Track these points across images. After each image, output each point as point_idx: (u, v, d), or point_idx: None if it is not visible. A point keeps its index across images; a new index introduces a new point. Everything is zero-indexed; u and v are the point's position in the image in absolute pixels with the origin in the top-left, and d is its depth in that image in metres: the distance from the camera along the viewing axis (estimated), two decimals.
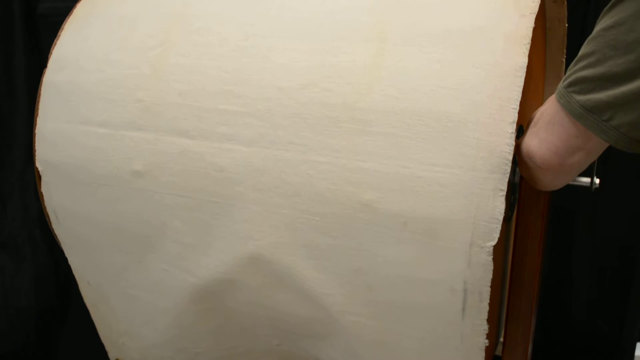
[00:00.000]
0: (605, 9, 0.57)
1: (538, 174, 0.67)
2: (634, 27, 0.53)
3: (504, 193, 0.64)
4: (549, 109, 0.64)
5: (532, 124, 0.67)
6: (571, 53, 0.97)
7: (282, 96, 0.74)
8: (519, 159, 0.69)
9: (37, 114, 0.91)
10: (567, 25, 0.93)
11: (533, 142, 0.65)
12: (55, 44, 0.92)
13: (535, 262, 0.79)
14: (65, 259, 0.98)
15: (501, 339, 0.95)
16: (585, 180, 0.75)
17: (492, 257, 0.65)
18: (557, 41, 0.96)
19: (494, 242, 0.65)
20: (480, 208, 0.65)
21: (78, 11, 0.94)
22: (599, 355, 1.35)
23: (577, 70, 0.58)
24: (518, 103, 0.65)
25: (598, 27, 0.57)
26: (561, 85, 0.60)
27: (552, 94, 1.00)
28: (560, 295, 1.34)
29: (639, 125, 0.55)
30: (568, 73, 0.60)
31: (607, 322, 1.33)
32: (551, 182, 0.68)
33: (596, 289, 1.32)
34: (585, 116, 0.58)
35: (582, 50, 0.58)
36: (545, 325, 1.35)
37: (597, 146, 0.61)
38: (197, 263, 0.81)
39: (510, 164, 0.64)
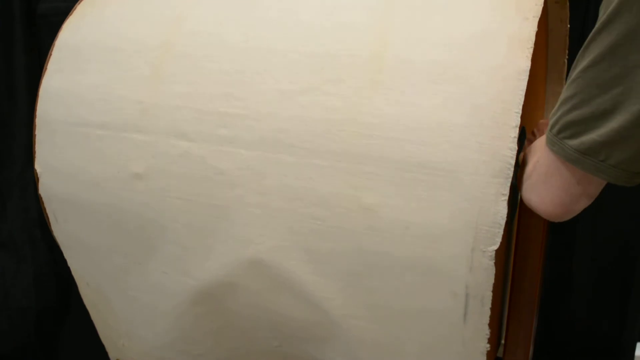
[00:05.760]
0: (580, 51, 0.56)
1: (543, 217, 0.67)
2: (612, 63, 0.53)
3: (507, 197, 0.64)
4: (542, 160, 0.63)
5: (525, 175, 0.66)
6: (572, 54, 0.97)
7: (283, 99, 0.74)
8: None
9: (37, 114, 0.91)
10: (568, 26, 0.92)
11: (532, 196, 0.64)
12: (55, 44, 0.92)
13: (536, 263, 0.79)
14: (65, 259, 0.98)
15: (502, 341, 0.95)
16: None
17: (494, 261, 0.65)
18: (559, 42, 0.95)
19: (495, 247, 0.65)
20: (482, 212, 0.64)
21: (78, 11, 0.94)
22: (599, 355, 1.35)
23: (563, 114, 0.57)
24: (521, 107, 0.65)
25: (576, 70, 0.56)
26: (550, 133, 0.60)
27: (553, 95, 1.00)
28: (560, 296, 1.33)
29: (638, 158, 0.55)
30: (554, 119, 0.59)
31: (607, 322, 1.33)
32: (557, 221, 0.67)
33: (596, 289, 1.32)
34: (582, 160, 0.57)
35: (564, 94, 0.57)
36: (546, 325, 1.35)
37: (598, 186, 0.60)
38: (197, 266, 0.81)
39: (512, 169, 0.64)
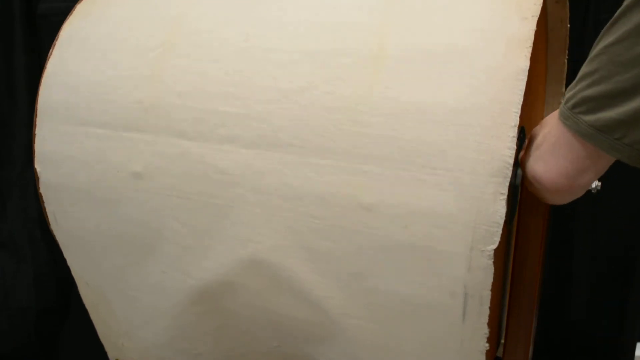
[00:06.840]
0: (605, 27, 0.56)
1: (545, 195, 0.67)
2: (637, 41, 0.52)
3: (505, 197, 0.64)
4: (552, 131, 0.63)
5: (533, 147, 0.66)
6: (572, 54, 0.97)
7: (283, 98, 0.74)
8: (525, 180, 0.68)
9: (37, 114, 0.91)
10: (568, 26, 0.92)
11: (538, 166, 0.64)
12: (55, 44, 0.92)
13: (536, 263, 0.79)
14: (65, 259, 0.98)
15: (502, 340, 0.95)
16: None
17: (492, 260, 0.65)
18: (559, 42, 0.95)
19: (494, 246, 0.65)
20: (480, 212, 0.64)
21: (78, 11, 0.94)
22: (599, 355, 1.35)
23: (581, 89, 0.57)
24: (520, 106, 0.64)
25: (599, 46, 0.56)
26: (564, 107, 0.59)
27: (553, 95, 1.00)
28: (560, 296, 1.33)
29: None
30: (570, 94, 0.58)
31: (608, 322, 1.33)
32: (559, 201, 0.67)
33: (596, 289, 1.32)
34: (596, 136, 0.56)
35: (584, 70, 0.57)
36: (545, 325, 1.35)
37: (607, 164, 0.60)
38: (196, 265, 0.81)
39: (511, 168, 0.64)
